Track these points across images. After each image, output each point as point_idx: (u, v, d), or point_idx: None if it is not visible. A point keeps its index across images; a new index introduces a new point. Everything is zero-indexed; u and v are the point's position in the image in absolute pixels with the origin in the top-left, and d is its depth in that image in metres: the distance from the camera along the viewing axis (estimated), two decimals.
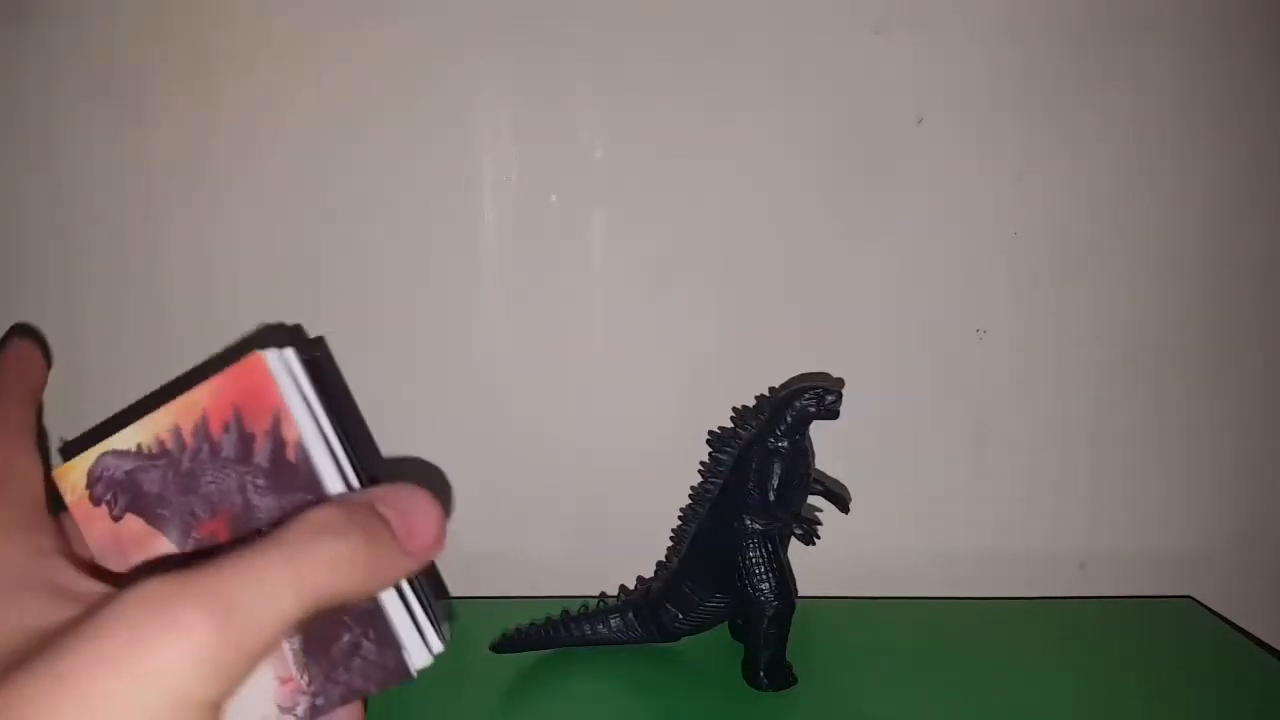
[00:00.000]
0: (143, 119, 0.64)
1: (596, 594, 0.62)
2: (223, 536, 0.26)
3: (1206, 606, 0.67)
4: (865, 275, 0.67)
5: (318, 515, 0.23)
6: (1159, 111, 0.66)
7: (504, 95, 0.65)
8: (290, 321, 0.66)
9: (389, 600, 0.26)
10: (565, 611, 0.60)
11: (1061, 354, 0.69)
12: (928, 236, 0.67)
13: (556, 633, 0.60)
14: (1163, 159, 0.67)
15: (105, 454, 0.27)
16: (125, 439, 0.27)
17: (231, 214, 0.66)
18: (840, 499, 0.58)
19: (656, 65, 0.64)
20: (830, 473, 0.61)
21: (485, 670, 0.58)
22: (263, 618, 0.21)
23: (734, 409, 0.58)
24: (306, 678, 0.26)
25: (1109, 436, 0.70)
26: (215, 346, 0.65)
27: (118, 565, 0.27)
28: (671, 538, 0.61)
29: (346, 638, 0.26)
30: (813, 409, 0.55)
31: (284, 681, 0.26)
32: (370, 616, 0.25)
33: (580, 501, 0.70)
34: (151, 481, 0.27)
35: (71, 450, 0.27)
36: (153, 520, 0.27)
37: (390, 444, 0.67)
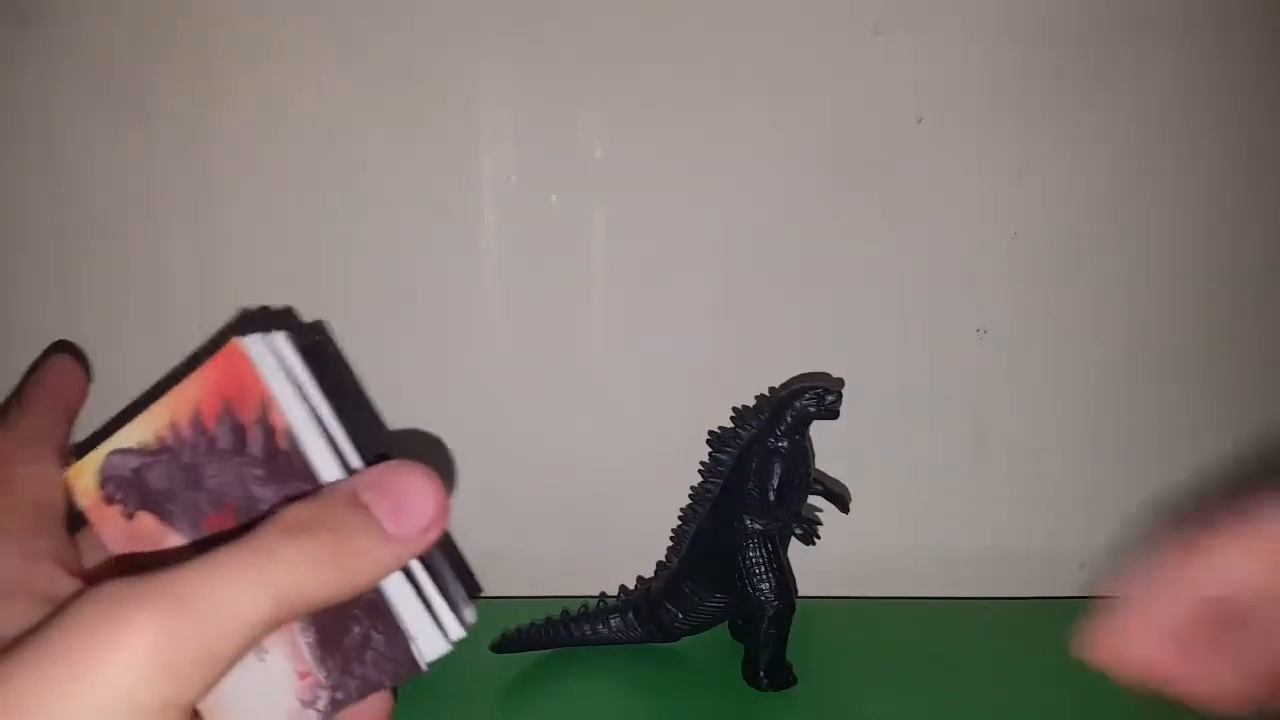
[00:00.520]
0: (143, 119, 0.64)
1: (596, 594, 0.62)
2: (230, 529, 0.26)
3: None
4: (865, 275, 0.67)
5: (289, 514, 0.23)
6: (1159, 111, 0.66)
7: (504, 95, 0.65)
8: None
9: (394, 590, 0.25)
10: (565, 611, 0.60)
11: (1061, 354, 0.69)
12: (928, 236, 0.67)
13: (556, 633, 0.60)
14: (1163, 159, 0.67)
15: (112, 453, 0.27)
16: (128, 436, 0.26)
17: (231, 214, 0.66)
18: (840, 499, 0.58)
19: (656, 65, 0.64)
20: (830, 473, 0.61)
21: (485, 670, 0.58)
22: (222, 620, 0.21)
23: (734, 409, 0.58)
24: (324, 672, 0.25)
25: (1109, 436, 0.70)
26: (216, 346, 0.65)
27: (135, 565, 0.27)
28: (671, 538, 0.61)
29: (357, 630, 0.25)
30: (813, 409, 0.55)
31: (302, 675, 0.26)
32: (376, 608, 0.25)
33: (580, 501, 0.70)
34: (158, 478, 0.26)
35: (81, 452, 0.27)
36: (164, 517, 0.27)
37: (390, 444, 0.67)
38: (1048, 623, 0.67)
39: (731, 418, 0.58)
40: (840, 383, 0.66)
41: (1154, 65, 0.66)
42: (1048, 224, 0.67)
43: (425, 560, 0.25)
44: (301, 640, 0.25)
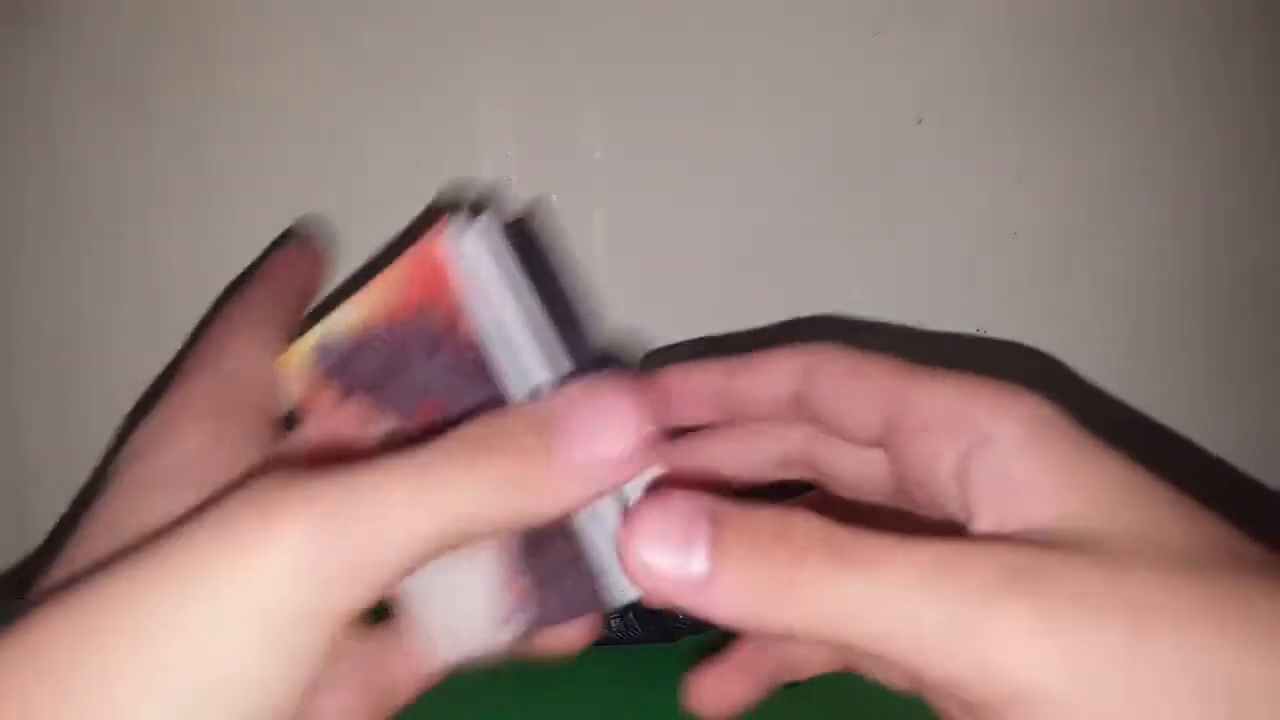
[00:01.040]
0: (143, 119, 0.64)
1: None
2: (433, 427, 0.24)
3: None
4: (865, 275, 0.67)
5: (471, 430, 0.21)
6: (1159, 111, 0.66)
7: (504, 95, 0.65)
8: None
9: (588, 521, 0.23)
10: None
11: (1061, 354, 0.69)
12: (928, 236, 0.67)
13: None
14: (1162, 159, 0.67)
15: (324, 338, 0.25)
16: (335, 323, 0.25)
17: (231, 214, 0.66)
18: None
19: (656, 65, 0.64)
20: None
21: (485, 670, 0.58)
22: (378, 533, 0.20)
23: None
24: (529, 583, 0.24)
25: (1108, 436, 0.70)
26: None
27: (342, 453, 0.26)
28: None
29: (563, 552, 0.24)
30: None
31: (509, 585, 0.24)
32: (575, 537, 0.24)
33: None
34: (365, 368, 0.25)
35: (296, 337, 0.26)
36: (375, 403, 0.25)
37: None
38: None
39: None
40: None
41: (1154, 65, 0.66)
42: (1048, 224, 0.67)
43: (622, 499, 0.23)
44: (512, 549, 0.24)
